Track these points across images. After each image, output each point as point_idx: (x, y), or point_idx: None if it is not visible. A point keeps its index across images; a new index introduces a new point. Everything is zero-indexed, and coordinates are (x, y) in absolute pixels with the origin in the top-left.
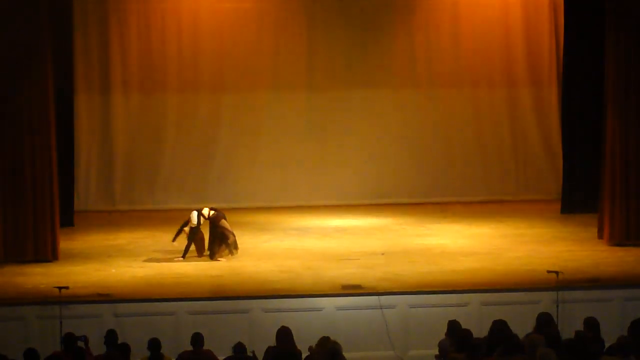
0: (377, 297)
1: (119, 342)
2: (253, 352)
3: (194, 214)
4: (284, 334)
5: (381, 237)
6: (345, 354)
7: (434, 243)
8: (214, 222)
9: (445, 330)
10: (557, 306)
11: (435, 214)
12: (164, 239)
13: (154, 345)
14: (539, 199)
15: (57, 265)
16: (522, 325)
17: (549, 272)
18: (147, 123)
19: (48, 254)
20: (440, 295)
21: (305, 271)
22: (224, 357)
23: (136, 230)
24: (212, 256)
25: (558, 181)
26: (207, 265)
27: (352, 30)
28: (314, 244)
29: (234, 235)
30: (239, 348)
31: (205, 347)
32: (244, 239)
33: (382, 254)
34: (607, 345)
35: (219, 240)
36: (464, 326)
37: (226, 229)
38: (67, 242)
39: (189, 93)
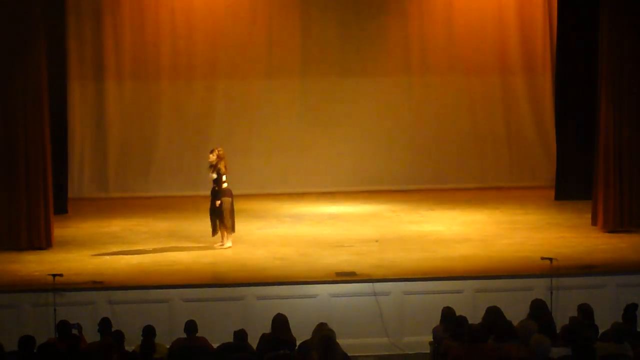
0: (371, 284)
1: (113, 329)
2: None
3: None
4: (281, 321)
5: (375, 224)
6: (340, 341)
7: (429, 230)
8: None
9: (439, 317)
10: (551, 293)
11: (429, 201)
12: (158, 226)
13: (148, 332)
14: (533, 186)
15: (51, 252)
16: (516, 312)
17: (542, 258)
18: (141, 110)
19: (42, 241)
20: (434, 282)
21: (300, 258)
22: (217, 344)
23: (130, 218)
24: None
25: (552, 168)
26: (201, 252)
27: (346, 18)
28: (308, 231)
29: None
30: (240, 335)
31: (199, 335)
32: (238, 227)
33: (377, 241)
34: (600, 331)
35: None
36: (458, 313)
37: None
38: (61, 230)
39: (183, 80)
